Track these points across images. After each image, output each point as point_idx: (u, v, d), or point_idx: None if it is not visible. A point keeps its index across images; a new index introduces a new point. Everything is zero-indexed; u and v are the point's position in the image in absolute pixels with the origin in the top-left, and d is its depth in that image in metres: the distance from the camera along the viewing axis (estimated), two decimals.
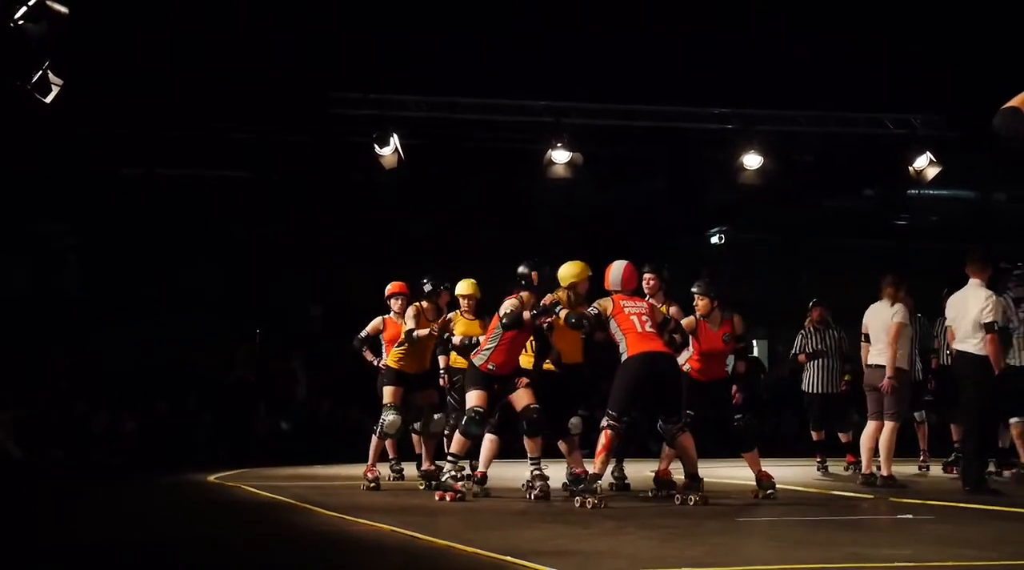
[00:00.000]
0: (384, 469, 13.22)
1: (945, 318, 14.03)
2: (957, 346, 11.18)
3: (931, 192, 21.51)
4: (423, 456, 12.43)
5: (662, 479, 10.98)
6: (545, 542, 7.61)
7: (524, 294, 10.58)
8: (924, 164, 18.37)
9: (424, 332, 11.83)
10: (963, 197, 23.76)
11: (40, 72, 14.12)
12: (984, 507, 9.87)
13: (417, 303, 12.07)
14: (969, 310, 11.08)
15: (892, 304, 12.06)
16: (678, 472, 10.86)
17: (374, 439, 12.15)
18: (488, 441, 10.93)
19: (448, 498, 10.36)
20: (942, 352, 14.03)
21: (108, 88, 16.23)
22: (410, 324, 11.88)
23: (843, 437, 14.78)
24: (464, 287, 12.02)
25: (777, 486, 10.80)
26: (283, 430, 19.45)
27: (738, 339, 11.19)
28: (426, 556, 7.14)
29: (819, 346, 14.56)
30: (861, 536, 8.00)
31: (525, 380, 10.66)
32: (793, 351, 14.84)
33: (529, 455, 10.80)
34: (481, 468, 11.00)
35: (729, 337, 10.95)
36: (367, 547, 7.65)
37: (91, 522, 9.57)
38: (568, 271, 10.71)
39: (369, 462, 12.07)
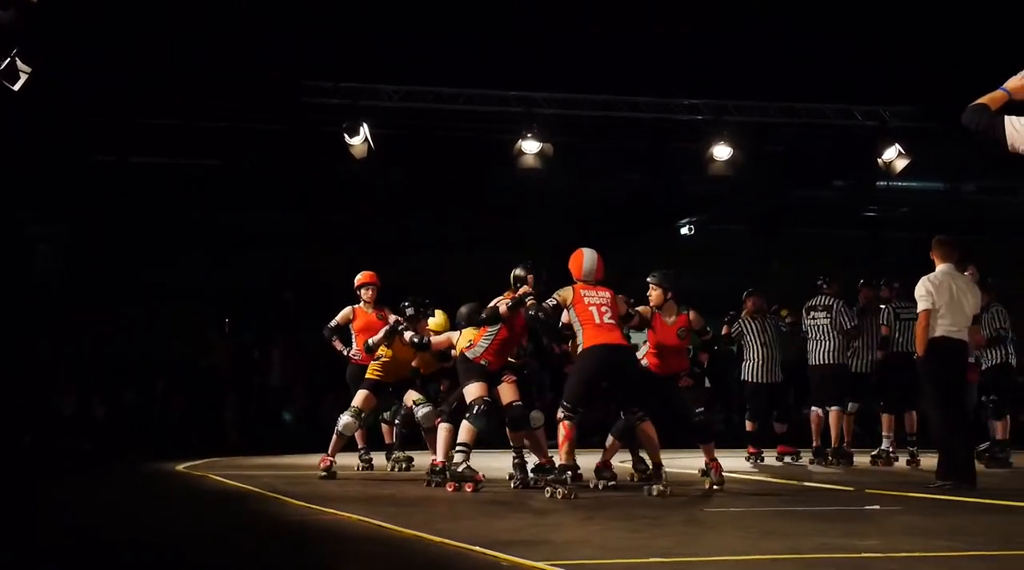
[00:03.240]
0: (352, 459, 13.25)
1: (895, 308, 14.16)
2: (958, 336, 10.98)
3: (901, 183, 21.61)
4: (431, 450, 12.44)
5: (601, 470, 11.04)
6: (515, 532, 7.61)
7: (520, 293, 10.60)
8: (894, 156, 18.41)
9: (379, 338, 11.89)
10: (932, 188, 23.86)
11: (8, 59, 14.03)
12: (951, 498, 9.92)
13: (397, 320, 11.99)
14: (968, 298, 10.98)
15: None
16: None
17: (335, 432, 12.17)
18: (443, 430, 11.00)
19: (468, 488, 10.34)
20: (896, 342, 14.12)
21: (79, 76, 16.15)
22: (376, 338, 11.95)
23: (778, 427, 14.86)
24: (437, 322, 12.11)
25: (744, 477, 10.82)
26: (286, 421, 19.53)
27: (699, 332, 11.21)
28: (395, 546, 7.14)
29: (758, 337, 14.63)
30: (829, 526, 8.02)
31: (513, 377, 10.73)
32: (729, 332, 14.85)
33: (512, 446, 10.94)
34: (439, 458, 11.03)
35: (684, 332, 10.94)
36: (335, 537, 7.63)
37: (55, 514, 9.54)
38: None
39: (328, 451, 12.09)
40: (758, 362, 14.69)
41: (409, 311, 12.07)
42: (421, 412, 12.20)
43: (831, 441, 14.39)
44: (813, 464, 14.33)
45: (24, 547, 7.13)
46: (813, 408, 14.62)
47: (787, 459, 14.82)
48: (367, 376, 12.29)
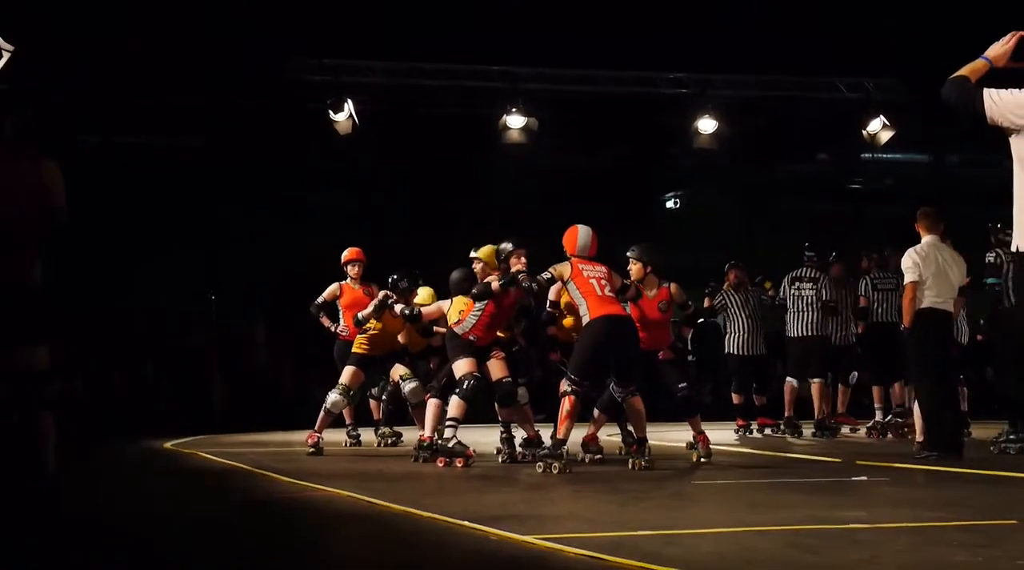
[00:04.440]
0: (340, 435, 13.28)
1: (872, 279, 14.16)
2: (944, 307, 11.00)
3: (885, 156, 21.61)
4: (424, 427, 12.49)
5: (587, 444, 11.09)
6: (504, 507, 7.63)
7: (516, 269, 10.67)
8: (878, 128, 18.43)
9: (369, 311, 11.90)
10: (917, 160, 23.86)
11: None
12: (938, 469, 9.95)
13: (387, 294, 12.02)
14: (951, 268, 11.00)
15: None
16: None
17: (322, 409, 12.18)
18: (432, 406, 11.03)
19: (459, 464, 10.33)
20: (875, 312, 14.12)
21: (61, 55, 16.06)
22: (367, 311, 11.93)
23: (759, 399, 14.88)
24: (422, 298, 12.16)
25: (731, 450, 10.86)
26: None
27: (682, 306, 11.26)
28: (383, 522, 7.15)
29: (741, 310, 14.66)
30: (816, 498, 8.05)
31: (502, 353, 10.76)
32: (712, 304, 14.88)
33: (501, 421, 11.06)
34: (427, 433, 11.05)
35: (665, 305, 10.95)
36: (323, 513, 7.64)
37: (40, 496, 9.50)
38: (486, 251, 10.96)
39: (315, 428, 12.11)
40: (742, 335, 14.71)
41: (402, 284, 12.14)
42: (408, 387, 12.21)
43: (814, 413, 14.46)
44: (781, 434, 14.40)
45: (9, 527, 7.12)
46: (788, 379, 14.65)
47: (768, 431, 14.84)
48: (353, 351, 12.29)
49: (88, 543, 6.42)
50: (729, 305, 14.73)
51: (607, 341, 9.94)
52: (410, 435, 12.69)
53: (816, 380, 14.42)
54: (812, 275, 14.48)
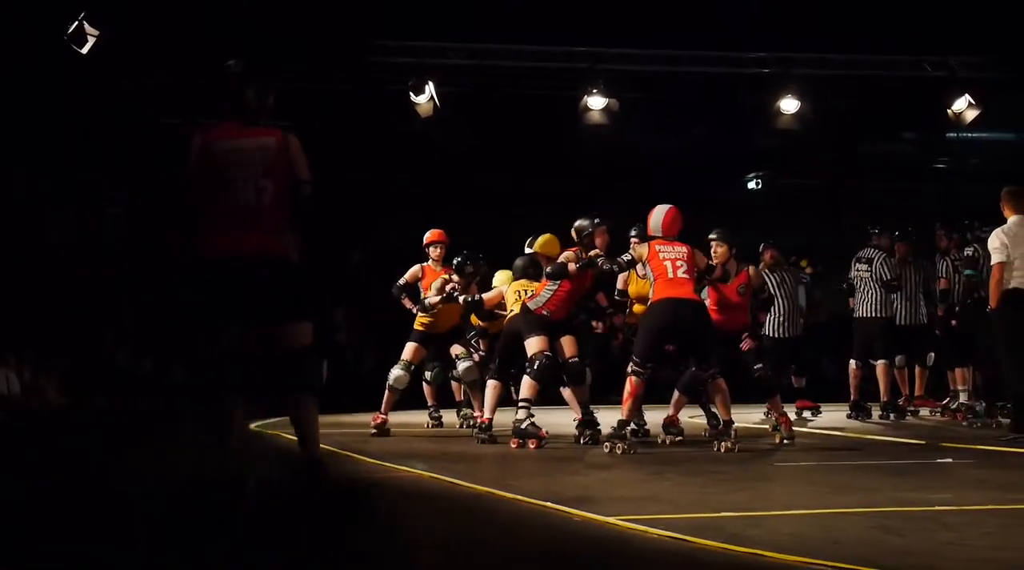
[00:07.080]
0: (422, 416, 13.34)
1: (953, 260, 13.93)
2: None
3: (971, 134, 21.34)
4: (475, 407, 12.53)
5: (668, 425, 11.07)
6: (586, 488, 7.64)
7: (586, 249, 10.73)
8: (963, 106, 18.20)
9: (436, 300, 11.98)
10: (1003, 139, 23.54)
11: (76, 23, 14.14)
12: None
13: (448, 277, 12.18)
14: None
15: None
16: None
17: (386, 388, 12.26)
18: (491, 387, 11.03)
19: (532, 445, 10.33)
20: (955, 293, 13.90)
21: (144, 37, 16.18)
22: (432, 297, 12.03)
23: (796, 382, 14.66)
24: (500, 278, 12.15)
25: (816, 431, 10.81)
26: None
27: (757, 290, 11.22)
28: (467, 502, 7.18)
29: (777, 290, 14.30)
30: (901, 480, 7.99)
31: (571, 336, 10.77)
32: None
33: (579, 401, 10.95)
34: (487, 415, 11.07)
35: (744, 289, 10.93)
36: (407, 494, 7.68)
37: (119, 473, 9.60)
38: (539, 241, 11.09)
39: (381, 409, 12.19)
40: (778, 316, 14.33)
41: (468, 268, 12.23)
42: (462, 367, 12.32)
43: (880, 395, 14.28)
44: (850, 418, 14.23)
45: (83, 504, 7.20)
46: (852, 361, 14.45)
47: (806, 414, 14.61)
48: (415, 328, 12.41)
49: (167, 520, 6.46)
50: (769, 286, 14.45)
51: (667, 324, 9.93)
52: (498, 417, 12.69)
53: (880, 362, 14.24)
54: (868, 255, 14.35)
